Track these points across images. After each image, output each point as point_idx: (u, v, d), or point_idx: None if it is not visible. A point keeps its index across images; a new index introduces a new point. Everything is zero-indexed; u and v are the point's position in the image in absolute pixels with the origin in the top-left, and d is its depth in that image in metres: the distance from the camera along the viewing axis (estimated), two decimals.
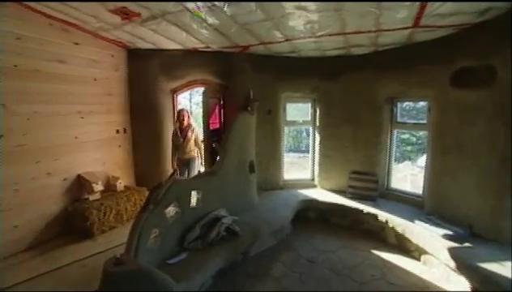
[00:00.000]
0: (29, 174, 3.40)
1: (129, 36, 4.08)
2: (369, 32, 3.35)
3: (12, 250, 3.16)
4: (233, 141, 3.90)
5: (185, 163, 4.91)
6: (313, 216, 4.52)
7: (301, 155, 10.33)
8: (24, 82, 3.34)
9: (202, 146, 4.88)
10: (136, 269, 2.13)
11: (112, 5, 3.00)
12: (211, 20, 3.29)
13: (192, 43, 4.26)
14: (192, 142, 4.88)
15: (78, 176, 3.93)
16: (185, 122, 4.82)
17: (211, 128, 4.83)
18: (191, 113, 18.29)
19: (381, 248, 3.70)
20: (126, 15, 3.23)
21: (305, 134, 12.14)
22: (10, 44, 3.19)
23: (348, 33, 3.45)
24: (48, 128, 3.56)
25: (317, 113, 4.89)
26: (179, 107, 5.31)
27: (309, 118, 5.07)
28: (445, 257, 2.91)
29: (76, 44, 3.87)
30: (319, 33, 3.49)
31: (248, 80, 4.69)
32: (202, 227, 3.17)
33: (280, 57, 4.67)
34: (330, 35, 3.52)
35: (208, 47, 4.45)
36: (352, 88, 4.53)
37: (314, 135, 5.05)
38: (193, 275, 2.55)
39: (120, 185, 4.38)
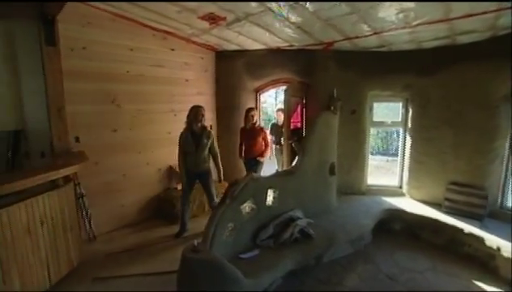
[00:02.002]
0: (133, 163, 4.01)
1: (216, 40, 4.38)
2: (485, 13, 2.75)
3: (116, 225, 3.79)
4: (313, 141, 3.79)
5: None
6: (397, 228, 4.04)
7: (390, 158, 9.37)
8: (133, 85, 3.97)
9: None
10: (209, 259, 2.27)
11: (201, 12, 3.25)
12: (293, 18, 3.25)
13: (275, 42, 4.30)
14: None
15: (170, 167, 4.44)
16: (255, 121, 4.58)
17: (292, 127, 4.80)
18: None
19: (489, 281, 3.03)
20: (213, 20, 3.47)
21: (395, 135, 10.97)
22: (124, 54, 3.85)
23: (455, 18, 2.91)
24: (148, 124, 4.13)
25: (410, 113, 4.33)
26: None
27: (400, 119, 4.54)
28: None
29: (172, 50, 4.38)
30: (415, 22, 3.06)
31: (331, 78, 4.47)
32: (275, 226, 3.18)
33: (367, 52, 4.30)
34: (429, 23, 3.05)
35: (291, 45, 4.42)
36: (456, 83, 3.84)
37: (405, 137, 4.50)
38: (262, 272, 2.57)
39: None
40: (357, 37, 3.70)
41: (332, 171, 3.98)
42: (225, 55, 5.10)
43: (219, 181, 3.98)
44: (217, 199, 3.81)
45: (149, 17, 3.63)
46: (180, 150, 3.71)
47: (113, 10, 3.57)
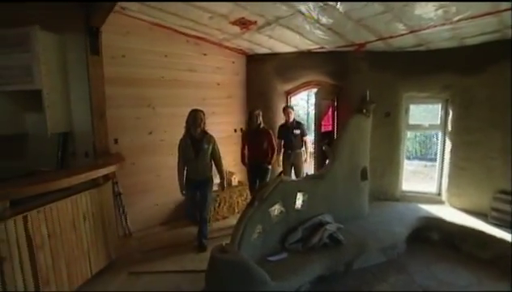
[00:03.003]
0: (167, 164, 4.17)
1: (247, 44, 4.45)
2: None
3: (150, 223, 3.97)
4: (345, 145, 3.70)
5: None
6: (436, 238, 3.79)
7: (429, 163, 8.82)
8: (167, 89, 4.16)
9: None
10: (236, 259, 2.31)
11: (232, 17, 3.33)
12: (323, 20, 3.21)
13: (305, 45, 4.28)
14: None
15: None
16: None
17: (323, 130, 4.73)
18: (308, 114, 18.27)
19: None
20: (244, 25, 3.53)
21: (435, 139, 10.32)
22: (159, 60, 4.06)
23: (506, 10, 2.67)
24: (181, 127, 4.27)
25: (450, 115, 4.06)
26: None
27: (439, 122, 4.28)
28: None
29: (204, 54, 4.54)
30: (457, 18, 2.87)
31: (364, 80, 4.34)
32: (304, 230, 3.15)
33: (402, 52, 4.11)
34: (474, 17, 2.85)
35: (322, 48, 4.37)
36: (505, 82, 3.54)
37: (444, 141, 4.23)
38: (289, 276, 2.56)
39: (234, 180, 4.84)
40: (391, 37, 3.56)
41: (364, 176, 3.85)
42: (256, 59, 5.16)
43: (222, 188, 3.76)
44: (207, 215, 3.68)
45: (183, 24, 3.79)
46: (179, 158, 3.50)
47: (150, 20, 3.78)
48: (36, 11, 3.32)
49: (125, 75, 3.75)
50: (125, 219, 3.78)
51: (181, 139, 3.50)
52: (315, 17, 3.14)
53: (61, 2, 3.20)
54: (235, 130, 5.18)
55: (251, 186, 4.28)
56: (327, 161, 3.79)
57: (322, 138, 4.59)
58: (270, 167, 4.17)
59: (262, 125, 4.15)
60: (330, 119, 4.92)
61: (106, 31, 3.43)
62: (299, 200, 3.26)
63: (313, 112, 5.15)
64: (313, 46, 4.32)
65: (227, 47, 4.76)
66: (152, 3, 3.18)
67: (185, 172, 3.54)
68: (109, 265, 3.12)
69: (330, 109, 4.87)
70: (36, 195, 2.44)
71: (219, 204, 4.28)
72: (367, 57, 4.32)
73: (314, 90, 5.23)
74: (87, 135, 3.51)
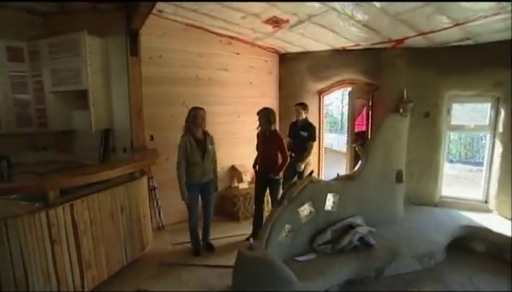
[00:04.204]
0: None
1: (280, 42, 4.44)
2: None
3: (182, 217, 4.07)
4: (378, 146, 3.56)
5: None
6: (480, 249, 3.50)
7: (474, 168, 8.17)
8: (201, 88, 4.29)
9: None
10: (262, 257, 2.32)
11: (265, 16, 3.35)
12: (359, 16, 3.11)
13: (339, 42, 4.17)
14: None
15: (232, 166, 4.65)
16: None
17: (356, 130, 4.59)
18: (342, 114, 17.74)
19: None
20: (276, 23, 3.53)
21: (483, 141, 9.51)
22: (194, 60, 4.21)
23: None
24: (213, 125, 4.37)
25: (501, 115, 3.73)
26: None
27: (487, 122, 3.94)
28: None
29: (237, 54, 4.61)
30: None
31: (401, 78, 4.13)
32: (334, 232, 3.08)
33: (445, 47, 3.84)
34: None
35: (357, 45, 4.23)
36: None
37: (493, 143, 3.89)
38: (316, 277, 2.52)
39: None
40: (433, 32, 3.34)
41: (399, 178, 3.67)
42: (289, 57, 5.13)
43: (215, 190, 3.58)
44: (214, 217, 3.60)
45: (216, 24, 3.88)
46: (179, 159, 3.19)
47: (184, 21, 3.92)
48: (83, 17, 3.64)
49: (161, 75, 3.93)
50: (159, 212, 3.97)
51: (183, 140, 3.22)
52: (350, 13, 3.05)
53: (104, 2, 3.42)
54: None
55: (256, 195, 3.80)
56: (360, 162, 3.67)
57: (356, 138, 4.45)
58: (278, 178, 3.61)
59: (273, 127, 3.61)
60: (365, 119, 4.75)
61: (144, 33, 3.61)
62: (329, 201, 3.20)
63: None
64: (347, 44, 4.20)
65: (259, 46, 4.78)
66: (186, 4, 3.28)
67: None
68: (143, 256, 3.29)
69: (365, 109, 4.70)
70: (80, 186, 2.66)
71: (249, 202, 4.31)
72: (405, 54, 4.09)
73: (348, 89, 5.09)
74: (126, 131, 3.73)
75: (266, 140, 3.62)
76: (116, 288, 2.79)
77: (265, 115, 3.58)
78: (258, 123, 3.63)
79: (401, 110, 3.73)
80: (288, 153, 3.65)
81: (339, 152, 8.43)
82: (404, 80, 4.06)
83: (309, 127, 4.20)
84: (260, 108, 3.65)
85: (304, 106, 4.26)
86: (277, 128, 3.73)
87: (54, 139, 4.05)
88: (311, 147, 4.20)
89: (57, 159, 4.04)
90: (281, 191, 3.57)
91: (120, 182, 2.98)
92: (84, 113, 3.60)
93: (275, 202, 3.51)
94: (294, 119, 4.38)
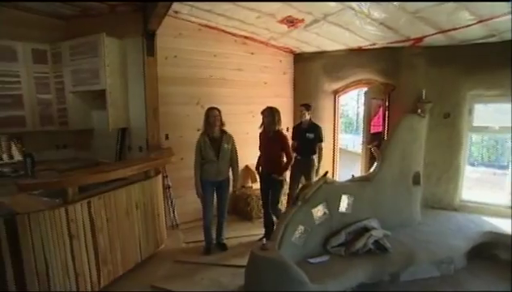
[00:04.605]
0: None
1: (295, 42, 4.41)
2: None
3: (196, 216, 4.10)
4: (395, 147, 3.49)
5: None
6: (505, 257, 3.33)
7: (499, 171, 7.82)
8: (215, 88, 4.32)
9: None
10: (275, 258, 2.32)
11: (279, 15, 3.33)
12: (375, 14, 3.04)
13: (355, 42, 4.10)
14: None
15: (246, 166, 4.64)
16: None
17: (372, 131, 4.50)
18: (357, 114, 17.42)
19: None
20: (291, 23, 3.51)
21: (509, 144, 9.08)
22: (208, 60, 4.25)
23: None
24: (228, 125, 4.40)
25: None
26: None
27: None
28: None
29: (252, 53, 4.62)
30: None
31: (419, 78, 4.01)
32: (348, 234, 3.04)
33: (467, 45, 3.68)
34: None
35: (373, 44, 4.14)
36: None
37: None
38: (329, 280, 2.49)
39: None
40: (455, 29, 3.22)
41: (416, 181, 3.57)
42: (303, 57, 5.09)
43: (234, 191, 3.61)
44: (227, 216, 3.61)
45: (230, 24, 3.90)
46: (196, 158, 3.31)
47: (200, 21, 3.96)
48: (102, 19, 3.75)
49: (176, 75, 3.98)
50: (173, 211, 4.02)
51: (199, 139, 3.33)
52: (366, 12, 2.99)
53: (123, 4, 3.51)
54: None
55: (262, 197, 3.77)
56: (375, 164, 3.59)
57: (372, 139, 4.36)
58: (281, 178, 3.55)
59: (277, 127, 3.51)
60: (381, 119, 4.65)
61: (161, 34, 3.67)
62: (343, 203, 3.17)
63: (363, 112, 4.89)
64: (363, 43, 4.12)
65: (274, 46, 4.77)
66: (201, 4, 3.31)
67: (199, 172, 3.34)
68: (157, 253, 3.34)
69: (381, 109, 4.60)
70: (97, 183, 2.74)
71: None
72: (424, 53, 3.96)
73: (364, 89, 5.00)
74: (142, 130, 3.81)
75: (270, 140, 3.54)
76: (130, 284, 2.84)
77: (270, 115, 3.48)
78: (260, 122, 3.59)
79: (419, 111, 3.62)
80: (294, 155, 3.62)
81: (354, 153, 8.31)
82: (423, 80, 3.94)
83: (315, 128, 4.07)
84: (274, 107, 3.61)
85: (307, 107, 4.12)
86: (281, 128, 3.60)
87: (73, 137, 4.21)
88: (321, 148, 4.10)
89: (76, 157, 4.20)
90: (282, 193, 3.64)
91: (135, 181, 3.05)
92: (102, 112, 3.71)
93: (274, 203, 3.57)
94: (299, 121, 4.28)
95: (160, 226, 3.43)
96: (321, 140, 4.08)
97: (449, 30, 3.26)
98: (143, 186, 3.11)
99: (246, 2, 3.08)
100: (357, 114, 17.24)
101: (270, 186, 3.59)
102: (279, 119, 3.52)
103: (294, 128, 4.34)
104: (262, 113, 3.55)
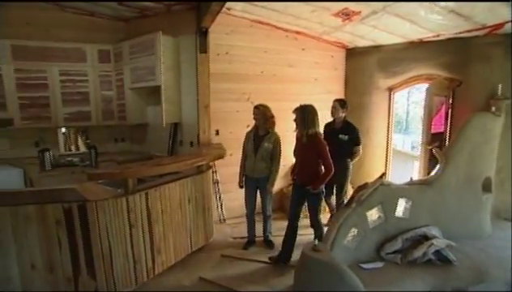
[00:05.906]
0: None
1: (348, 36, 4.21)
2: None
3: (240, 213, 4.11)
4: (462, 148, 3.16)
5: None
6: None
7: None
8: (266, 84, 4.31)
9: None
10: (327, 261, 2.22)
11: (335, 8, 3.18)
12: (444, 2, 2.75)
13: (417, 33, 3.77)
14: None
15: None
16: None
17: (433, 131, 4.13)
18: (407, 113, 16.31)
19: None
20: (347, 16, 3.34)
21: None
22: (259, 56, 4.25)
23: None
24: (277, 121, 4.36)
25: None
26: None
27: None
28: None
29: (303, 49, 4.52)
30: None
31: (495, 71, 3.55)
32: (405, 241, 2.83)
33: None
34: None
35: (438, 35, 3.77)
36: None
37: None
38: (384, 287, 2.34)
39: None
40: None
41: (487, 187, 3.20)
42: (356, 52, 4.85)
43: (269, 191, 3.39)
44: (272, 214, 3.56)
45: (283, 20, 3.83)
46: (242, 151, 3.45)
47: (251, 17, 3.95)
48: (159, 19, 3.94)
49: (228, 71, 4.04)
50: (221, 206, 4.09)
51: (246, 134, 3.43)
52: None
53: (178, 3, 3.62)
54: None
55: (290, 209, 3.19)
56: (437, 167, 3.29)
57: (432, 139, 4.01)
58: (317, 191, 2.98)
59: (311, 130, 2.92)
60: (443, 119, 4.24)
61: (213, 31, 3.73)
62: (401, 207, 2.96)
63: (415, 110, 4.51)
64: (426, 34, 3.77)
65: (326, 41, 4.61)
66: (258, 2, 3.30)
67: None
68: (205, 246, 3.42)
69: (444, 107, 4.20)
70: (153, 176, 2.87)
71: None
72: (502, 42, 3.48)
73: (418, 86, 4.60)
74: (193, 126, 3.93)
75: (304, 146, 3.00)
76: (181, 275, 2.94)
77: (300, 114, 2.96)
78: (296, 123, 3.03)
79: (493, 108, 3.22)
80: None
81: (404, 154, 7.84)
82: (499, 73, 3.47)
83: (350, 129, 3.63)
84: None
85: (342, 103, 3.66)
86: (318, 131, 3.02)
87: (129, 131, 4.50)
88: (359, 153, 3.68)
89: (131, 150, 4.48)
90: (321, 205, 3.16)
91: (188, 175, 3.14)
92: (156, 107, 3.91)
93: (313, 216, 3.12)
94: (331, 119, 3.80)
95: (210, 220, 3.51)
96: (358, 143, 3.68)
97: None
98: (195, 181, 3.19)
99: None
100: (407, 113, 16.24)
101: (307, 200, 3.09)
102: (313, 120, 2.93)
103: (325, 127, 3.73)
104: (294, 112, 3.03)
